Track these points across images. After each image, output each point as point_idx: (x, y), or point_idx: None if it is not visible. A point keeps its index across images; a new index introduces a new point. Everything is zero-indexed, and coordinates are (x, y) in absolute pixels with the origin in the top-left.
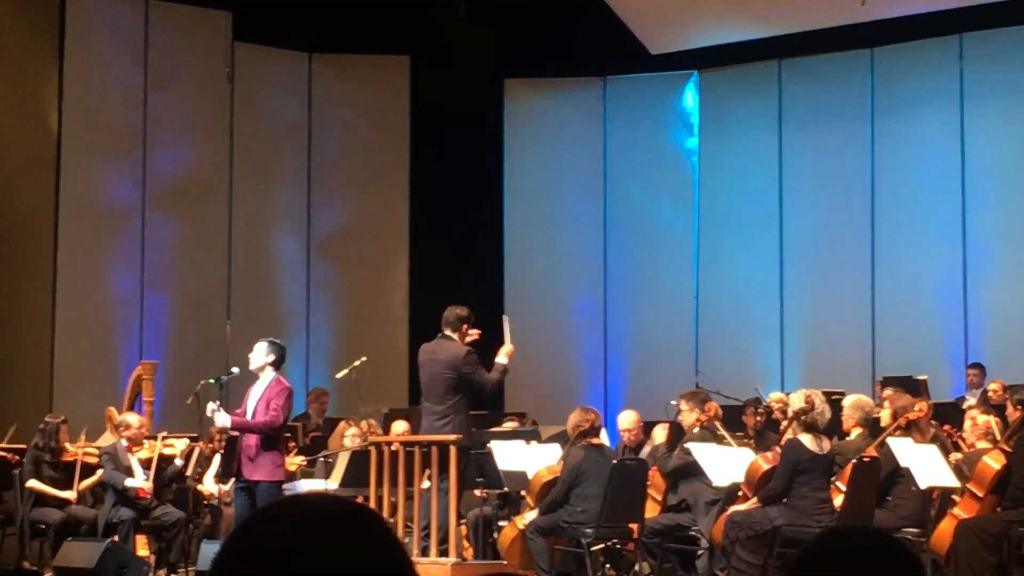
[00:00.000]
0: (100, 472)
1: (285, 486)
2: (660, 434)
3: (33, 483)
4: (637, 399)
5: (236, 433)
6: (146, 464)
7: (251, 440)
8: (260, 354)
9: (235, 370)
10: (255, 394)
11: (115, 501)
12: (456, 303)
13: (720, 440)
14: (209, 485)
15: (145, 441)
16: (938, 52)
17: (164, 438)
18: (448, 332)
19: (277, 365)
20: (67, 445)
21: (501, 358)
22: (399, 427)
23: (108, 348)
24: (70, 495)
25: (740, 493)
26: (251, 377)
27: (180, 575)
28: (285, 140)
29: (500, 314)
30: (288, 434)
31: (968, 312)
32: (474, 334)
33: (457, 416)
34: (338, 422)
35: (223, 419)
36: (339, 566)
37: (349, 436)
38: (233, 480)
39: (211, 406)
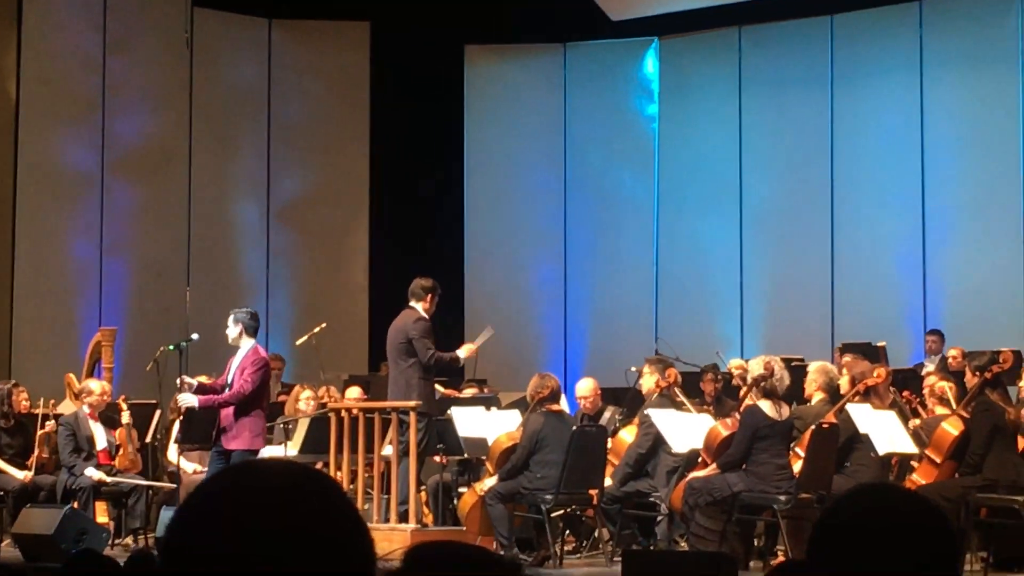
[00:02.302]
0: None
1: None
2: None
3: None
4: (597, 365)
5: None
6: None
7: (228, 410)
8: (230, 327)
9: (195, 336)
10: (234, 364)
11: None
12: (416, 270)
13: (679, 406)
14: (172, 454)
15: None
16: (898, 19)
17: (125, 398)
18: (413, 303)
19: (252, 333)
20: (24, 407)
21: (461, 352)
22: (353, 393)
23: (67, 315)
24: (27, 475)
25: (699, 459)
26: (210, 345)
27: (140, 541)
28: (245, 106)
29: (461, 279)
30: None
31: (927, 279)
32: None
33: (409, 381)
34: (293, 388)
35: (190, 400)
36: (293, 531)
37: (304, 399)
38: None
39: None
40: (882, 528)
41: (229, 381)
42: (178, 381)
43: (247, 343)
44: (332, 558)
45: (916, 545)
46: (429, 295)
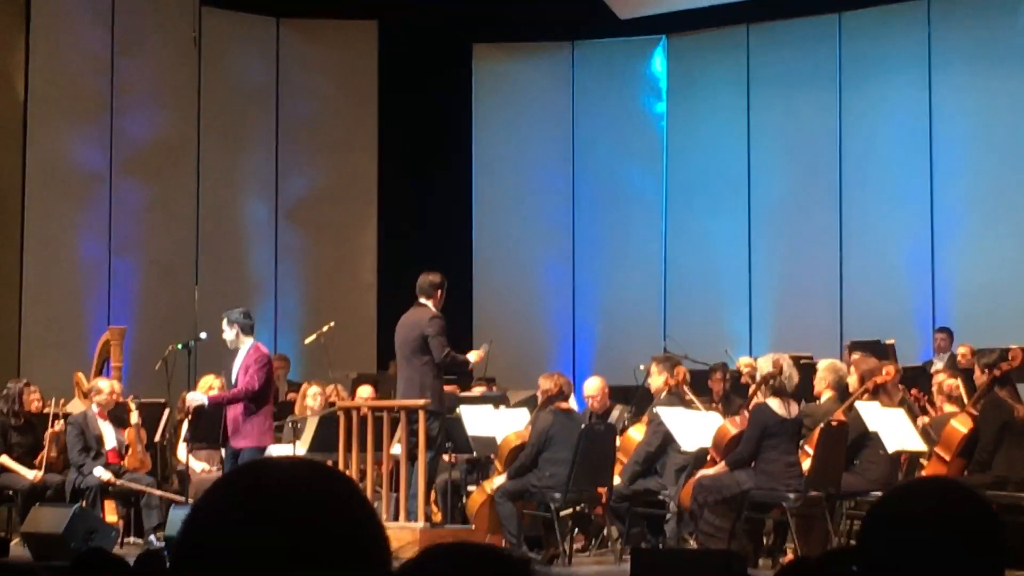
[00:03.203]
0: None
1: None
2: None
3: (4, 460)
4: (606, 364)
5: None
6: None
7: (235, 410)
8: (226, 331)
9: (203, 335)
10: (236, 364)
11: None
12: (425, 268)
13: (688, 404)
14: (181, 453)
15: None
16: (906, 17)
17: (134, 398)
18: (422, 299)
19: (249, 331)
20: (35, 407)
21: (471, 356)
22: (364, 392)
23: (76, 313)
24: (36, 475)
25: (708, 457)
26: (219, 343)
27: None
28: (253, 105)
29: (470, 277)
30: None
31: (936, 276)
32: None
33: (423, 379)
34: (301, 386)
35: (200, 398)
36: (308, 529)
37: (311, 395)
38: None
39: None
40: (933, 521)
41: (234, 381)
42: (189, 400)
43: (246, 342)
44: (349, 555)
45: (966, 540)
46: (439, 291)
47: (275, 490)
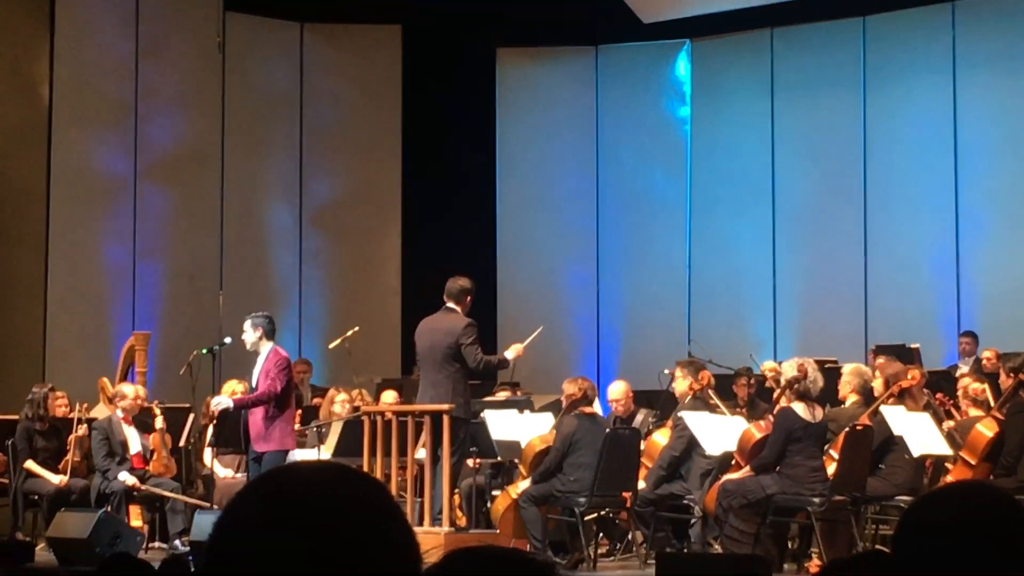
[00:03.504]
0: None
1: None
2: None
3: (30, 464)
4: (630, 368)
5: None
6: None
7: (257, 415)
8: (249, 333)
9: (228, 340)
10: (256, 368)
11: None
12: (449, 274)
13: (713, 409)
14: (206, 458)
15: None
16: (930, 20)
17: (158, 403)
18: (451, 304)
19: (270, 336)
20: (60, 412)
21: (509, 353)
22: (388, 397)
23: (101, 319)
24: (62, 480)
25: (733, 462)
26: (243, 348)
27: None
28: (277, 110)
29: (494, 282)
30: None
31: (961, 280)
32: None
33: (455, 386)
34: (327, 391)
35: (225, 401)
36: (338, 532)
37: (339, 402)
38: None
39: (217, 400)
40: (964, 526)
41: (254, 385)
42: (214, 404)
43: (266, 346)
44: (379, 558)
45: (998, 544)
46: (468, 296)
47: (304, 493)
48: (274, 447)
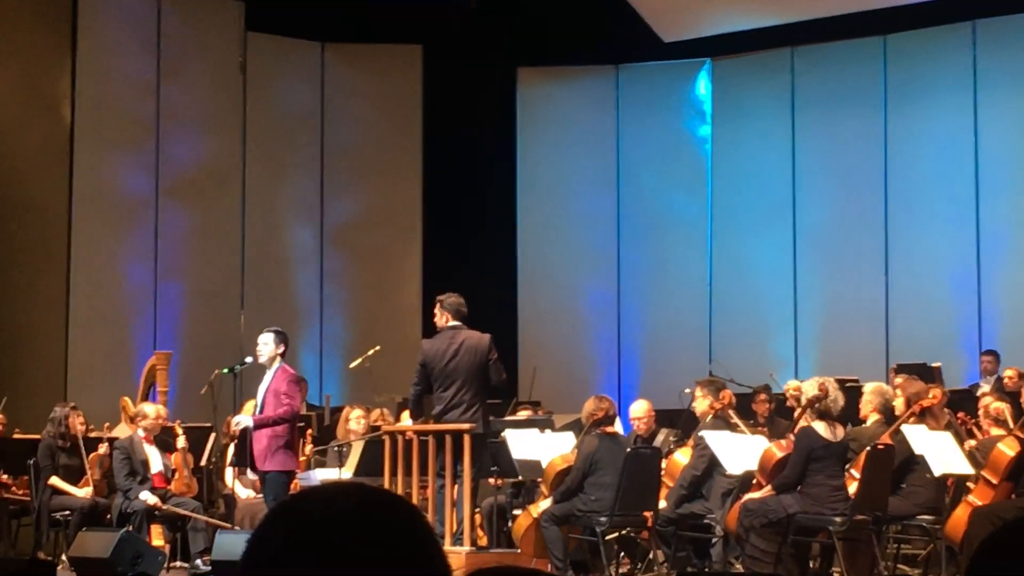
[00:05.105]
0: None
1: (300, 476)
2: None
3: (55, 481)
4: (651, 387)
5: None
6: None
7: (261, 434)
8: (271, 346)
9: (249, 359)
10: (263, 386)
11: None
12: (470, 293)
13: (733, 428)
14: (228, 477)
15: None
16: (951, 39)
17: (180, 422)
18: (458, 321)
19: (283, 355)
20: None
21: None
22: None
23: (122, 338)
24: (87, 492)
25: (754, 481)
26: (262, 369)
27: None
28: (298, 130)
29: (514, 302)
30: (302, 423)
31: (982, 299)
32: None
33: (482, 403)
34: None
35: (246, 420)
36: (369, 552)
37: (354, 418)
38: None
39: (238, 419)
40: None
41: (260, 403)
42: (234, 424)
43: (277, 363)
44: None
45: None
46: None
47: (334, 514)
48: (277, 467)
